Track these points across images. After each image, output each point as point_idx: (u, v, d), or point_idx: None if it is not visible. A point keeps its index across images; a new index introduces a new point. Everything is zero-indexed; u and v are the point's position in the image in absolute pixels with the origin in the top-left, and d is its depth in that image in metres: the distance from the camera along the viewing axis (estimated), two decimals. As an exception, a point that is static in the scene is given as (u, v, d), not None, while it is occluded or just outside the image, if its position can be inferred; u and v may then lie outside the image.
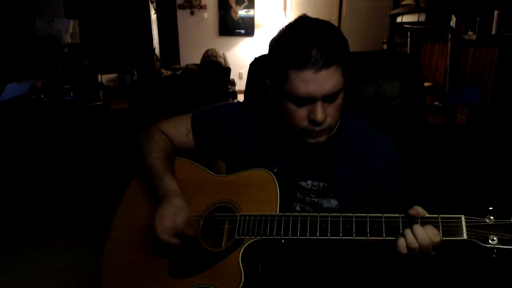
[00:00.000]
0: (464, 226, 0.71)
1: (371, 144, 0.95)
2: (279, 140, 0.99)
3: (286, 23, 0.86)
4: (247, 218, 0.89)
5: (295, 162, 0.98)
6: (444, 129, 3.66)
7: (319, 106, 0.81)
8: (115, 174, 2.66)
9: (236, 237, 0.88)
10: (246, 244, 0.87)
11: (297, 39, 0.78)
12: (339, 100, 0.84)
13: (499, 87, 3.59)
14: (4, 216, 2.52)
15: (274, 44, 0.84)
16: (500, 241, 0.69)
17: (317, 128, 0.84)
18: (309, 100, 0.81)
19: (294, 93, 0.81)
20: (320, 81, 0.78)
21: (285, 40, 0.81)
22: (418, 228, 0.73)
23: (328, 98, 0.81)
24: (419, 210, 0.75)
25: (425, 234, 0.72)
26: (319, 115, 0.81)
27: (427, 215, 0.75)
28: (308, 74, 0.78)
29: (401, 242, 0.74)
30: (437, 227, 0.73)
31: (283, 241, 0.85)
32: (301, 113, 0.83)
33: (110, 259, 1.02)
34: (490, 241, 0.69)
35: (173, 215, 0.91)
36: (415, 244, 0.73)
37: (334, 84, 0.80)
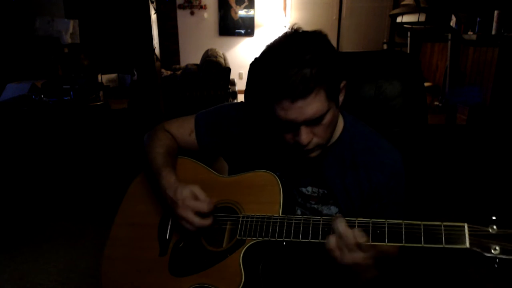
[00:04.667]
0: (467, 235, 0.71)
1: (373, 154, 0.93)
2: (280, 146, 0.99)
3: (271, 41, 0.84)
4: (249, 219, 0.89)
5: (296, 168, 0.98)
6: (444, 129, 3.67)
7: (302, 130, 0.82)
8: (115, 174, 2.66)
9: (238, 238, 0.88)
10: (248, 245, 0.87)
11: (275, 67, 0.77)
12: (327, 120, 0.83)
13: (499, 87, 3.58)
14: (4, 216, 2.52)
15: (257, 68, 0.84)
16: (503, 251, 0.68)
17: (305, 148, 0.85)
18: (292, 125, 0.82)
19: (277, 118, 0.82)
20: (298, 109, 0.78)
21: (264, 67, 0.81)
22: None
23: (311, 122, 0.81)
24: None
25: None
26: (302, 139, 0.82)
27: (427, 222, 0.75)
28: (285, 103, 0.78)
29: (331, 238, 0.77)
30: (439, 235, 0.73)
31: (284, 243, 0.85)
32: (288, 135, 0.85)
33: (110, 256, 1.02)
34: (492, 251, 0.69)
35: (189, 198, 0.89)
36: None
37: (314, 110, 0.79)
